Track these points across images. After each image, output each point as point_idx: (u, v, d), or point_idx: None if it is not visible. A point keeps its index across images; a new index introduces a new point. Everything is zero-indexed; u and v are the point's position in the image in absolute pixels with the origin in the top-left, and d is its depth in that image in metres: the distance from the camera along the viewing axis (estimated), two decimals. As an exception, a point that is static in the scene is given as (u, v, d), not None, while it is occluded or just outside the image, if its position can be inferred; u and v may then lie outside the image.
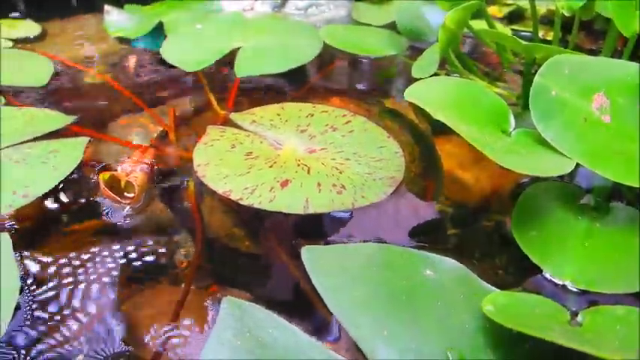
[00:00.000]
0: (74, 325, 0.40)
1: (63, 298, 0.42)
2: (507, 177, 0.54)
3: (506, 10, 0.92)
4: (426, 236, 0.48)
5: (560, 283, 0.42)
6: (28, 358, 0.37)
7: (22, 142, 0.56)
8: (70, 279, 0.43)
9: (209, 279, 0.44)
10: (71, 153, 0.54)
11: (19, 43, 0.81)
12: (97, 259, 0.45)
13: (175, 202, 0.51)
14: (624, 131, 0.44)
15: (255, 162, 0.54)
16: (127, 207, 0.50)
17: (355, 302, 0.37)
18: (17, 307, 0.40)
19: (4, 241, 0.43)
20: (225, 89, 0.69)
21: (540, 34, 0.81)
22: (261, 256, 0.46)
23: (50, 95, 0.68)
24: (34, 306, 0.41)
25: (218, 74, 0.73)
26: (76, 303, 0.41)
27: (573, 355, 0.31)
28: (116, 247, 0.46)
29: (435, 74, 0.60)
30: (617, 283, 0.41)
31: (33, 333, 0.39)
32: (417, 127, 0.62)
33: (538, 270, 0.43)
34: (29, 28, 0.85)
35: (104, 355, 0.38)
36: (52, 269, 0.44)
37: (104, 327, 0.40)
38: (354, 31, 0.84)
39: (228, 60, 0.75)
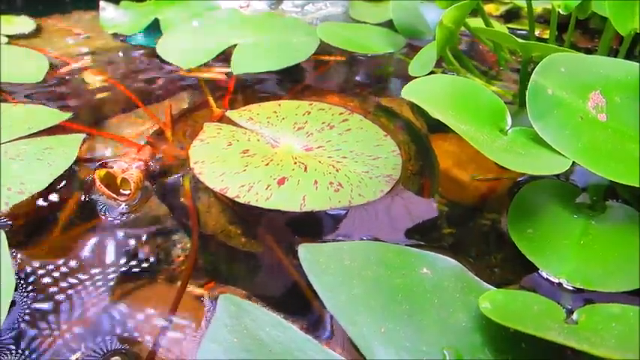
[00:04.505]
0: (70, 323, 0.39)
1: (58, 295, 0.41)
2: (504, 175, 0.55)
3: (502, 8, 0.92)
4: (423, 234, 0.48)
5: (556, 281, 0.42)
6: (23, 355, 0.37)
7: (17, 139, 0.55)
8: (66, 276, 0.43)
9: (205, 277, 0.44)
10: (67, 150, 0.54)
11: (15, 39, 0.81)
12: (93, 257, 0.45)
13: (171, 199, 0.51)
14: (621, 130, 0.45)
15: (252, 160, 0.54)
16: (123, 204, 0.50)
17: (352, 300, 0.37)
18: (12, 304, 0.40)
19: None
20: (221, 87, 0.69)
21: (536, 32, 0.81)
22: (257, 253, 0.46)
23: (45, 92, 0.68)
24: (29, 303, 0.41)
25: (215, 72, 0.73)
26: (71, 300, 0.41)
27: (569, 353, 0.31)
28: (112, 244, 0.46)
29: (432, 72, 0.60)
30: (613, 281, 0.41)
31: (28, 330, 0.39)
32: (413, 125, 0.63)
33: (534, 268, 0.43)
34: (25, 24, 0.85)
35: (100, 352, 0.37)
36: (47, 266, 0.44)
37: (100, 324, 0.39)
38: (350, 29, 0.84)
39: (224, 57, 0.74)
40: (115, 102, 0.66)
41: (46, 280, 0.43)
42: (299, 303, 0.41)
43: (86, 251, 0.45)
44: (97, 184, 0.50)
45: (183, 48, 0.77)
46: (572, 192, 0.49)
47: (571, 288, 0.42)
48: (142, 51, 0.79)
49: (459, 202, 0.52)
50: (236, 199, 0.49)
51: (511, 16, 0.91)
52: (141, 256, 0.45)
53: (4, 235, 0.43)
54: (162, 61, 0.74)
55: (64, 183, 0.52)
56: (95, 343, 0.38)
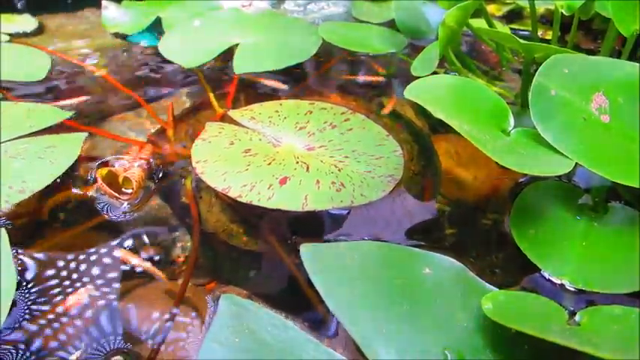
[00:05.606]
0: (71, 322, 0.39)
1: (59, 294, 0.41)
2: (506, 176, 0.54)
3: (505, 9, 0.92)
4: (424, 234, 0.48)
5: (558, 282, 0.42)
6: (25, 354, 0.37)
7: (18, 137, 0.55)
8: (67, 275, 0.43)
9: (207, 276, 0.44)
10: (68, 148, 0.54)
11: (16, 37, 0.81)
12: (94, 255, 0.45)
13: (173, 198, 0.51)
14: (623, 131, 0.45)
15: (254, 159, 0.53)
16: (125, 203, 0.50)
17: (354, 300, 0.37)
18: (14, 303, 0.40)
19: (1, 236, 0.43)
20: (223, 86, 0.69)
21: (539, 33, 0.81)
22: (259, 253, 0.46)
23: (47, 90, 0.68)
24: (30, 302, 0.41)
25: (216, 71, 0.73)
26: (72, 299, 0.41)
27: (571, 354, 0.31)
28: (113, 243, 0.46)
29: (434, 72, 0.60)
30: (615, 282, 0.41)
31: (29, 329, 0.39)
32: (415, 125, 0.62)
33: (536, 269, 0.43)
34: (26, 22, 0.85)
35: (101, 352, 0.37)
36: (48, 265, 0.44)
37: (101, 323, 0.39)
38: (352, 29, 0.84)
39: (226, 57, 0.74)
40: (117, 101, 0.66)
41: (47, 278, 0.43)
42: (300, 303, 0.41)
43: (87, 250, 0.45)
44: (99, 182, 0.50)
45: (185, 47, 0.77)
46: (575, 193, 0.49)
47: (573, 289, 0.41)
48: (143, 50, 0.79)
49: (460, 202, 0.52)
50: (238, 199, 0.49)
51: (513, 16, 0.91)
52: (142, 254, 0.45)
53: (5, 233, 0.43)
54: (164, 60, 0.74)
55: (65, 182, 0.52)
56: (97, 342, 0.38)
